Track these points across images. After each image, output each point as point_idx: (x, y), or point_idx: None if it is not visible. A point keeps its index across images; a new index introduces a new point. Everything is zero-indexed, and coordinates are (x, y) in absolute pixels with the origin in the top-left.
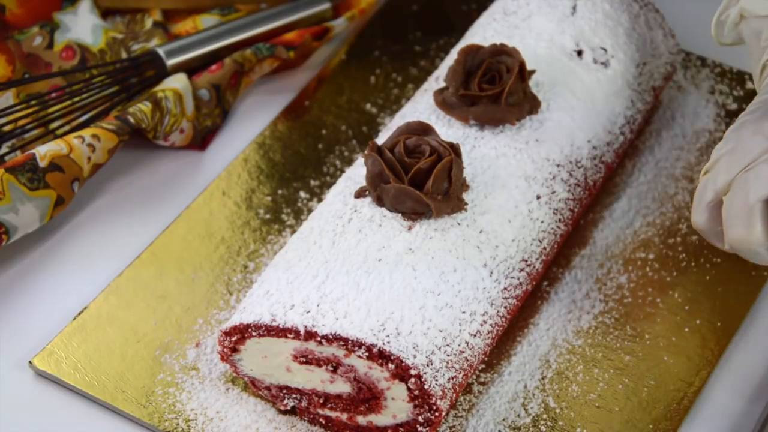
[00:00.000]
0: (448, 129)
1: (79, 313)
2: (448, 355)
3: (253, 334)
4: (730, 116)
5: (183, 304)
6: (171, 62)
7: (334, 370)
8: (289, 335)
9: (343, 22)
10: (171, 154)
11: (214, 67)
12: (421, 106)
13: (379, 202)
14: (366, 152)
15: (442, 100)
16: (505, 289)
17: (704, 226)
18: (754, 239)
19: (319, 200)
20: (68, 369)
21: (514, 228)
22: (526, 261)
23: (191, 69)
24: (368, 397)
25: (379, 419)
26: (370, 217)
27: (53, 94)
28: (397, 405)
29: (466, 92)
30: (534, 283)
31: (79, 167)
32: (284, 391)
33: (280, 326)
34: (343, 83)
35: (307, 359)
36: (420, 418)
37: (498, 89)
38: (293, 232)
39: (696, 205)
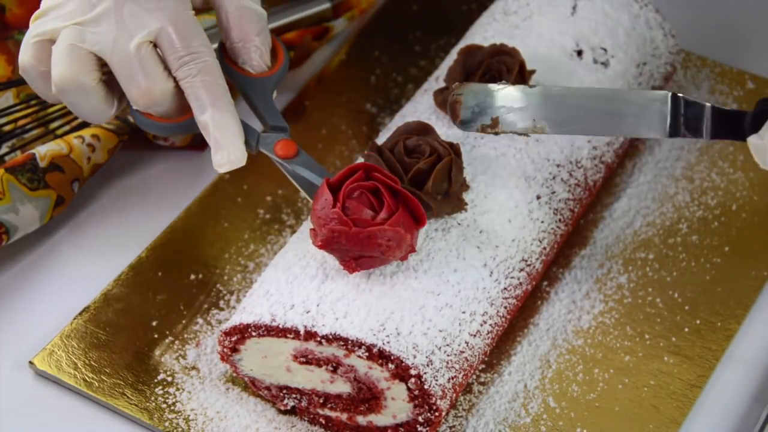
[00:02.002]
0: (448, 129)
1: (79, 313)
2: (448, 355)
3: (253, 334)
4: None
5: (183, 304)
6: None
7: (334, 370)
8: (288, 335)
9: (343, 22)
10: (171, 154)
11: None
12: (421, 106)
13: None
14: (366, 152)
15: (442, 101)
16: (505, 289)
17: (28, 65)
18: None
19: None
20: (68, 369)
21: (514, 228)
22: (526, 261)
23: None
24: (368, 397)
25: (379, 419)
26: None
27: None
28: (397, 405)
29: None
30: (534, 283)
31: (79, 167)
32: (284, 391)
33: (280, 326)
34: (343, 83)
35: (307, 359)
36: (420, 418)
37: None
38: (293, 232)
39: (23, 44)
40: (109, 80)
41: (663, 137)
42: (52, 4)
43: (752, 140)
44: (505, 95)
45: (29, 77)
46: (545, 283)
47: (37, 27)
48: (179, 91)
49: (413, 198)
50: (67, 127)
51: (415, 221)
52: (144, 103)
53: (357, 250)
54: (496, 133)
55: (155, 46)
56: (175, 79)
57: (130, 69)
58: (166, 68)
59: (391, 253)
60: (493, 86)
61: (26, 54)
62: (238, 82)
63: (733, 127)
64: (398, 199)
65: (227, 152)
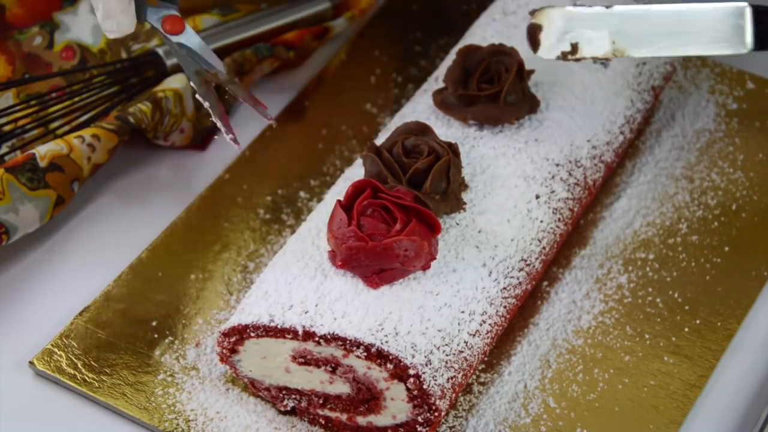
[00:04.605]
0: (447, 129)
1: (79, 313)
2: (447, 355)
3: (252, 334)
4: (730, 116)
5: (183, 304)
6: (171, 62)
7: (333, 371)
8: (287, 335)
9: (343, 22)
10: (171, 154)
11: None
12: (420, 107)
13: None
14: (364, 153)
15: (441, 101)
16: (505, 288)
17: None
18: None
19: (319, 200)
20: (68, 369)
21: (513, 227)
22: (526, 260)
23: None
24: (367, 397)
25: (379, 420)
26: None
27: (53, 94)
28: (397, 405)
29: (465, 92)
30: (533, 282)
31: (79, 167)
32: (284, 392)
33: (279, 326)
34: (343, 83)
35: (305, 360)
36: (419, 418)
37: (496, 89)
38: (293, 232)
39: None
40: None
41: (746, 51)
42: None
43: None
44: (583, 19)
45: None
46: (545, 283)
47: None
48: None
49: (424, 209)
50: (67, 127)
51: (430, 229)
52: None
53: (377, 264)
54: (577, 60)
55: None
56: None
57: None
58: None
59: (411, 263)
60: (571, 9)
61: None
62: None
63: None
64: (410, 212)
65: (116, 21)
